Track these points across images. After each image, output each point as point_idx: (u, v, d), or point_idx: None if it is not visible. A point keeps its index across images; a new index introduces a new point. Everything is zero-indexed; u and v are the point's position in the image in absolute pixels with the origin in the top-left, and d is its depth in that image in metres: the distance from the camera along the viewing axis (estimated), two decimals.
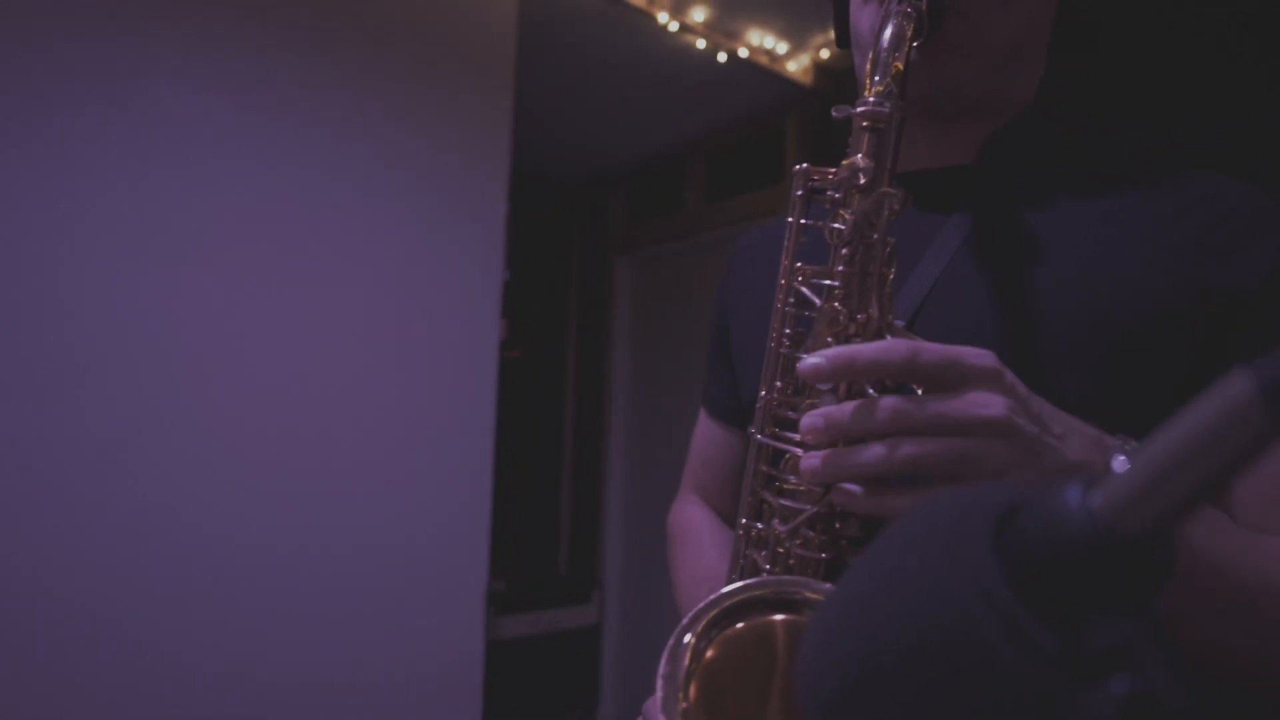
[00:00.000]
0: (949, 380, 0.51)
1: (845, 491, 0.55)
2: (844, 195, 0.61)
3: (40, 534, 1.63)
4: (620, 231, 4.13)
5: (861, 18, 0.74)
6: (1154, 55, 2.01)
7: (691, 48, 2.81)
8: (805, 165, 0.63)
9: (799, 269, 0.64)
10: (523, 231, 3.92)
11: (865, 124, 0.60)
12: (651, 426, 3.92)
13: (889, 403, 0.51)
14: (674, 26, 2.70)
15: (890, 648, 0.28)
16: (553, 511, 4.25)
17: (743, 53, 2.85)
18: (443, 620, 2.19)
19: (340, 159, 2.06)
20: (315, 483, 1.99)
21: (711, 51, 2.82)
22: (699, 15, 2.72)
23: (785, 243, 0.65)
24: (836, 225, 0.61)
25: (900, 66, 0.61)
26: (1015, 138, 0.75)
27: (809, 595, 0.55)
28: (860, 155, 0.60)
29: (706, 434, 1.02)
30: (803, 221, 0.65)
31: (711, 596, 0.55)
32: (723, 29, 2.79)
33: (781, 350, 0.65)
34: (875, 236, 0.60)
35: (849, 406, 0.53)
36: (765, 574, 0.65)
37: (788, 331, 0.65)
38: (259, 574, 1.89)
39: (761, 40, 2.86)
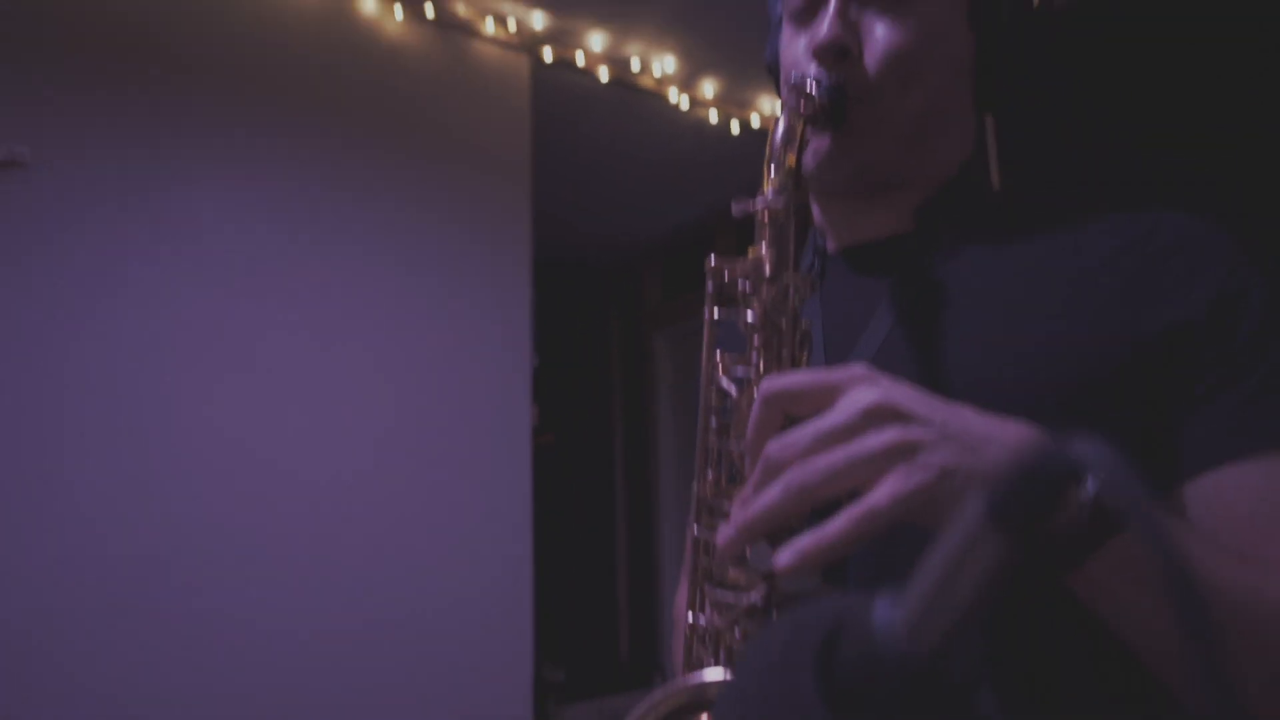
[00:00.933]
0: (821, 400, 0.50)
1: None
2: (753, 284, 0.61)
3: (107, 646, 1.68)
4: (657, 308, 4.16)
5: (785, 54, 0.76)
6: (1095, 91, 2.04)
7: (705, 122, 2.87)
8: (714, 260, 0.63)
9: (718, 360, 0.63)
10: (561, 314, 4.00)
11: (765, 217, 0.61)
12: None
13: (771, 447, 0.50)
14: (685, 103, 2.76)
15: None
16: (610, 596, 4.18)
17: (755, 121, 2.89)
18: (491, 713, 2.15)
19: (368, 264, 2.14)
20: (354, 577, 2.00)
21: (725, 124, 2.87)
22: (709, 89, 2.77)
23: (703, 336, 0.65)
24: (748, 316, 0.61)
25: (793, 161, 0.62)
26: (945, 203, 0.74)
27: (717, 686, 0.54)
28: (763, 245, 0.60)
29: None
30: (717, 314, 0.64)
31: (636, 711, 0.54)
32: (733, 100, 2.84)
33: (709, 443, 0.64)
34: (784, 323, 0.59)
35: (750, 481, 0.51)
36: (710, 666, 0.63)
37: (714, 423, 0.64)
38: (302, 668, 1.90)
39: (773, 108, 2.90)
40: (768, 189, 0.62)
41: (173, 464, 1.82)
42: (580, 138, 2.93)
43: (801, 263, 0.85)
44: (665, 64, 2.63)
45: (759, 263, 0.61)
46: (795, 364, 0.59)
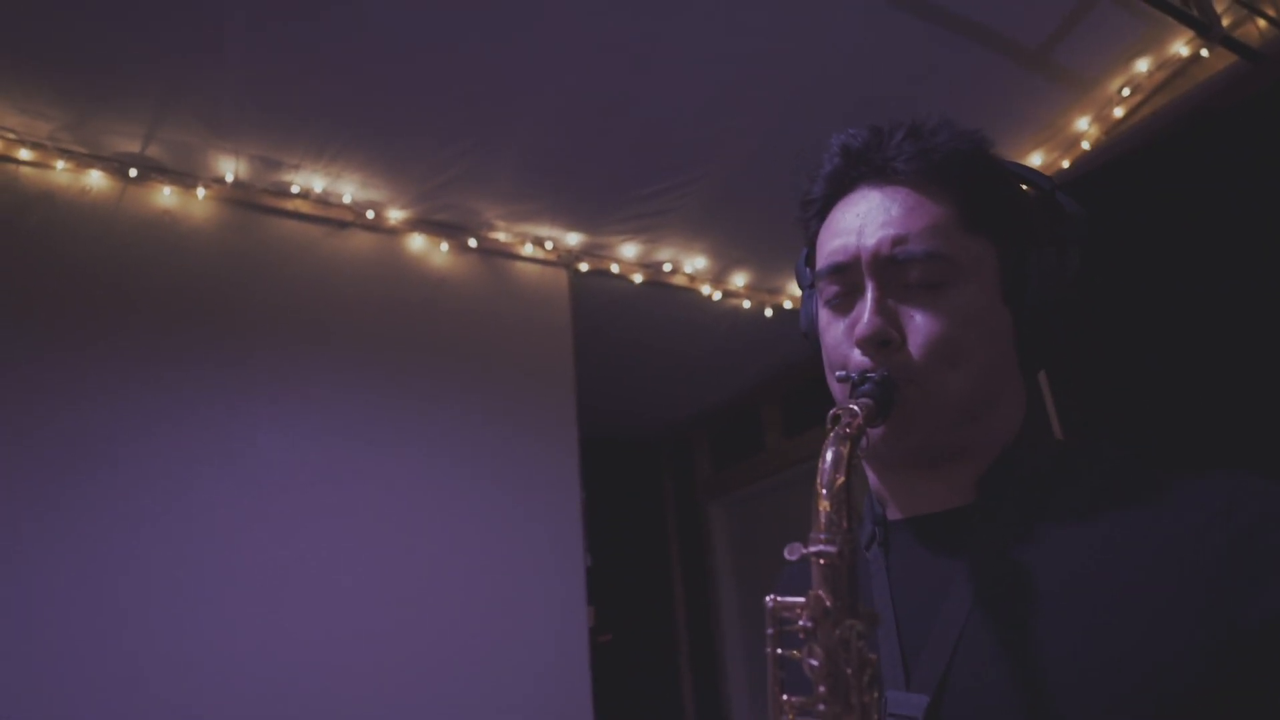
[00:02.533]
0: None
1: None
2: (815, 626, 0.62)
3: None
4: (709, 478, 4.17)
5: (825, 336, 0.78)
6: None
7: (739, 309, 2.96)
8: (773, 600, 0.64)
9: (785, 701, 0.63)
10: (616, 490, 4.02)
11: (821, 562, 0.61)
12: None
13: None
14: (718, 295, 2.87)
15: None
16: None
17: (787, 305, 2.98)
18: None
19: (422, 479, 2.19)
20: None
21: (758, 309, 2.97)
22: (739, 280, 2.89)
23: (768, 673, 0.65)
24: (812, 661, 0.61)
25: (843, 479, 0.63)
26: (1005, 472, 0.73)
27: None
28: (820, 591, 0.61)
29: None
30: (779, 652, 0.65)
31: None
32: (764, 288, 2.94)
33: None
34: (850, 671, 0.59)
35: None
36: None
37: None
38: None
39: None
40: (819, 531, 0.62)
41: (237, 683, 1.83)
42: (619, 333, 3.04)
43: (860, 532, 0.85)
44: (696, 263, 2.76)
45: (820, 605, 0.60)
46: (865, 710, 0.59)
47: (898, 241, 0.72)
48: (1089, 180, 2.27)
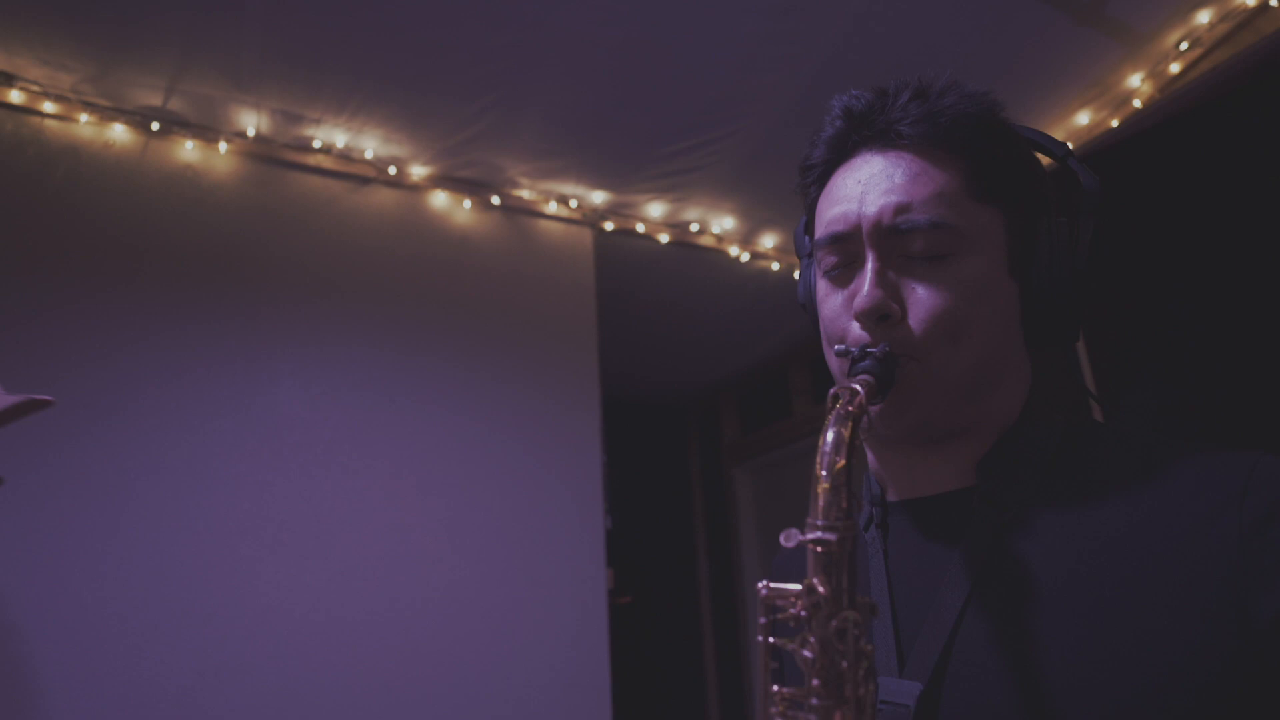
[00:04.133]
0: None
1: None
2: (809, 615, 0.59)
3: None
4: (736, 442, 4.14)
5: (823, 307, 0.75)
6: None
7: (767, 271, 2.90)
8: (766, 587, 0.61)
9: (776, 693, 0.61)
10: (643, 454, 4.01)
11: (818, 550, 0.59)
12: None
13: None
14: (745, 257, 2.81)
15: None
16: None
17: None
18: None
19: (443, 436, 2.20)
20: None
21: (787, 272, 2.90)
22: (768, 242, 2.82)
23: (759, 662, 0.63)
24: (805, 653, 0.58)
25: (843, 462, 0.60)
26: (1007, 455, 0.71)
27: None
28: (816, 579, 0.58)
29: None
30: (772, 640, 0.62)
31: None
32: (794, 251, 2.87)
33: None
34: (845, 664, 0.57)
35: None
36: None
37: None
38: None
39: None
40: (817, 517, 0.59)
41: (256, 635, 1.87)
42: (644, 294, 3.00)
43: (858, 514, 0.82)
44: (724, 223, 2.69)
45: (814, 594, 0.58)
46: (859, 704, 0.57)
47: (900, 210, 0.68)
48: (1139, 141, 2.15)
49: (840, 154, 0.75)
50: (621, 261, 2.72)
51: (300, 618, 1.92)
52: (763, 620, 0.62)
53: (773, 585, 0.62)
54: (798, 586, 0.60)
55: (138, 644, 1.75)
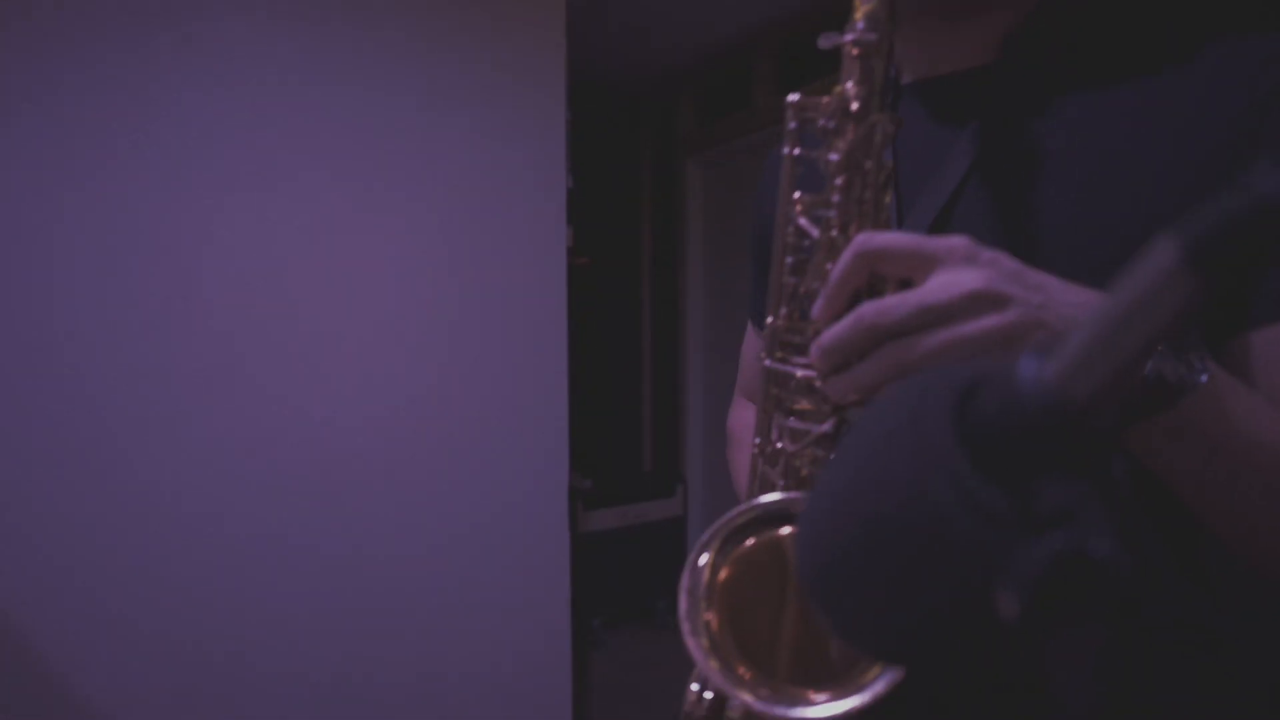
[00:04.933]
0: (916, 267, 0.51)
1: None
2: (837, 124, 0.61)
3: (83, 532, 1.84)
4: (690, 133, 4.05)
5: None
6: None
7: None
8: (797, 97, 0.63)
9: (796, 200, 0.64)
10: (592, 138, 3.91)
11: (855, 52, 0.60)
12: (728, 324, 3.95)
13: (865, 312, 0.51)
14: None
15: (857, 525, 0.30)
16: (636, 413, 4.39)
17: None
18: (530, 514, 2.33)
19: (397, 80, 2.09)
20: (395, 392, 2.12)
21: None
22: None
23: (782, 174, 0.66)
24: (831, 155, 0.62)
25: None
26: (1036, 31, 0.68)
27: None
28: (850, 83, 0.60)
29: (750, 343, 1.07)
30: (797, 152, 0.65)
31: (720, 520, 0.61)
32: None
33: (785, 279, 0.66)
34: (869, 164, 0.60)
35: (836, 330, 0.53)
36: (779, 489, 0.69)
37: (790, 260, 0.66)
38: (347, 476, 2.07)
39: None
40: (858, 18, 0.59)
41: (193, 277, 1.90)
42: None
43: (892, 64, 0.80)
44: None
45: (844, 99, 0.60)
46: (878, 207, 0.60)
47: None
48: None
49: None
50: None
51: (241, 244, 1.93)
52: (793, 125, 0.64)
53: (802, 98, 0.64)
54: (827, 98, 0.63)
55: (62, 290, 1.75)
